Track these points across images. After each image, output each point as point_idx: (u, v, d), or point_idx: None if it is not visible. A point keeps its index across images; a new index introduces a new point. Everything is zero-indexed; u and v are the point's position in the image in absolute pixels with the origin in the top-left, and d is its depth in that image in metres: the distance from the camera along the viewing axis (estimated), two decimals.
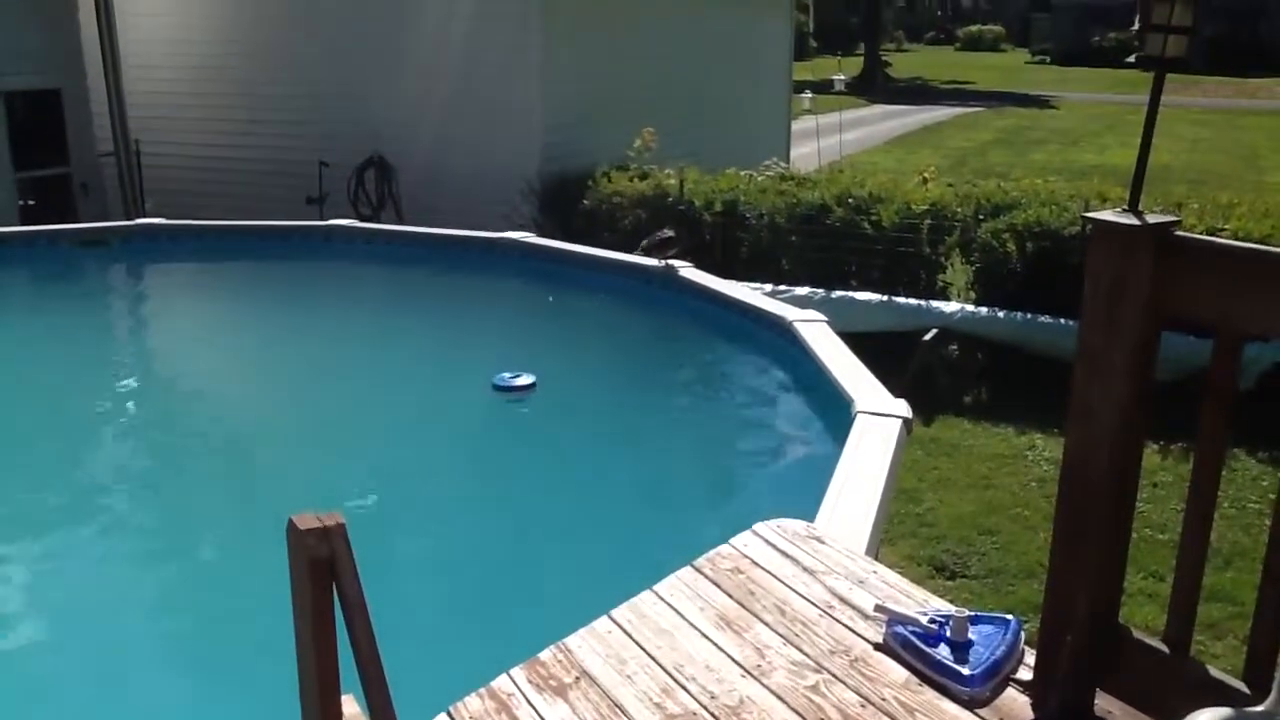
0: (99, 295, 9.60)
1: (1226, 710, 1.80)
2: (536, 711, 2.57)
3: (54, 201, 10.96)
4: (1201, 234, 5.29)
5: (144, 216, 10.80)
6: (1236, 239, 6.73)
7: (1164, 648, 2.46)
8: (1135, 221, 2.31)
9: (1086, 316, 2.40)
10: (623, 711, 2.56)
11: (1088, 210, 6.43)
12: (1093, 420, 2.41)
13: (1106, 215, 2.36)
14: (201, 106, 12.40)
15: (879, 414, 4.78)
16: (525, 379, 6.57)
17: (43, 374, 7.02)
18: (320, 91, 11.74)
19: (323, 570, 2.15)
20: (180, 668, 3.96)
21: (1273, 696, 1.80)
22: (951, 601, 3.04)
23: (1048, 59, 50.76)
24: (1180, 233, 2.32)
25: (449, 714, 2.56)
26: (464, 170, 11.00)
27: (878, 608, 2.91)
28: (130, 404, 7.02)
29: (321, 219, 10.62)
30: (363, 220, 10.66)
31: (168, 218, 10.16)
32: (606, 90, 11.66)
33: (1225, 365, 2.36)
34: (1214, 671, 2.39)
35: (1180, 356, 5.48)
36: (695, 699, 2.61)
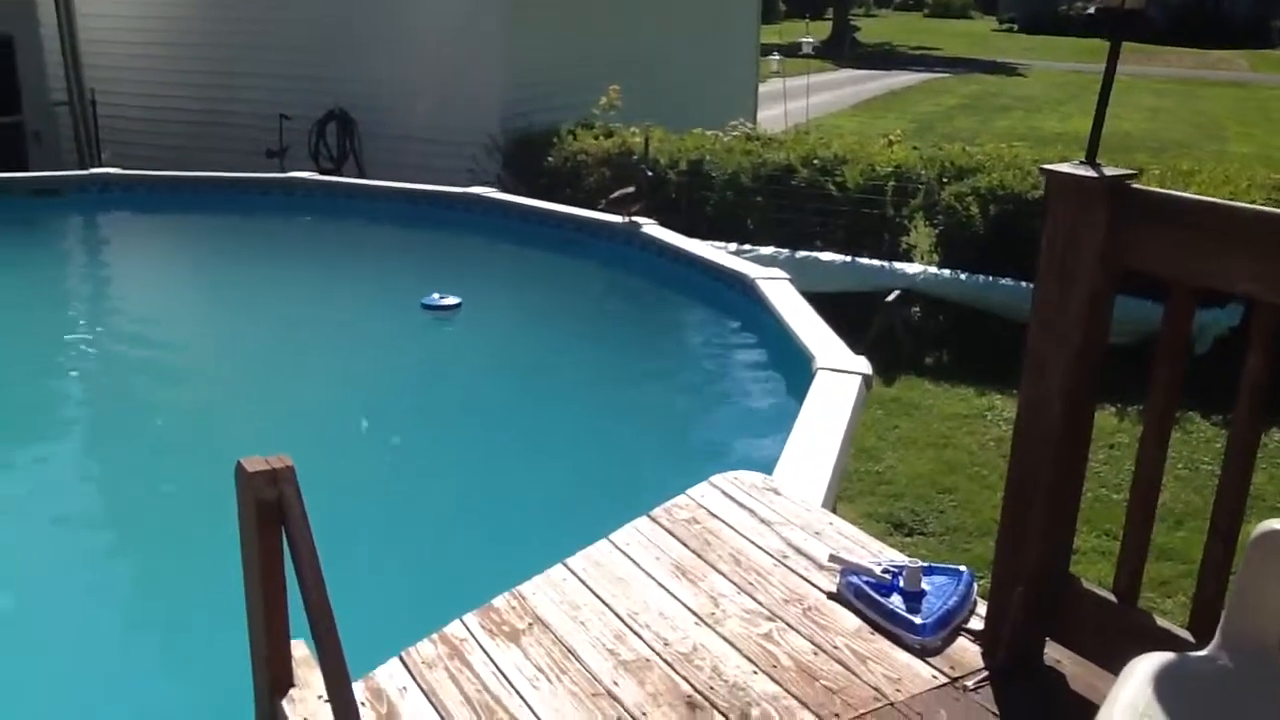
0: (52, 245, 9.43)
1: (1168, 655, 1.82)
2: (489, 656, 2.56)
3: (5, 150, 10.73)
4: None
5: (99, 166, 10.59)
6: None
7: (1112, 598, 2.49)
8: (1092, 173, 2.31)
9: (1042, 268, 2.41)
10: (575, 657, 2.56)
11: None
12: (1046, 371, 2.42)
13: (1064, 167, 2.36)
14: (160, 57, 12.14)
15: (839, 370, 4.79)
16: (451, 299, 6.93)
17: None
18: (282, 44, 11.51)
19: (271, 514, 2.13)
20: (127, 615, 3.91)
21: (1215, 641, 1.82)
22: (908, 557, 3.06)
23: (1015, 26, 50.83)
24: (1137, 185, 2.32)
25: (401, 659, 2.55)
26: (427, 125, 10.86)
27: (832, 558, 2.92)
28: (80, 349, 6.92)
29: (282, 172, 10.48)
30: (323, 174, 10.52)
31: (124, 168, 9.99)
32: (573, 48, 11.53)
33: (1177, 320, 2.37)
34: (1161, 621, 2.42)
35: (1139, 320, 5.54)
36: (649, 645, 2.62)
